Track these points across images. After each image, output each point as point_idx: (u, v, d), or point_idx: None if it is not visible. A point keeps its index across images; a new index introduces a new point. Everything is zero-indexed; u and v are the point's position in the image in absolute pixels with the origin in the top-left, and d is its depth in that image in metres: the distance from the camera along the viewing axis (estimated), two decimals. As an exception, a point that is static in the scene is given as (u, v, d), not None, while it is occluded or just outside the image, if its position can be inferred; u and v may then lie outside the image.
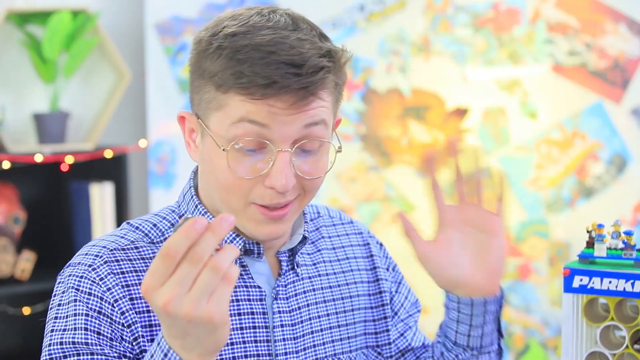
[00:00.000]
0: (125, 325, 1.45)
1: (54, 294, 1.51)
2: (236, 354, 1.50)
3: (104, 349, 1.43)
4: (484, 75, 3.96)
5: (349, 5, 3.87)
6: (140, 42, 3.86)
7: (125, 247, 1.51)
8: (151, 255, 1.51)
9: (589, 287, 1.42)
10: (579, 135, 3.98)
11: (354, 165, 3.91)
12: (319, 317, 1.59)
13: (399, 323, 1.74)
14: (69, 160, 3.59)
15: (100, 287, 1.46)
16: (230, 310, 1.50)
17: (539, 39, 3.96)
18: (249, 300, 1.52)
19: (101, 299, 1.45)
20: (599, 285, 1.42)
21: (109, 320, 1.44)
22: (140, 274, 1.48)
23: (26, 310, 3.65)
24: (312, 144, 1.46)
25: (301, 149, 1.46)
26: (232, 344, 1.50)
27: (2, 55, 3.70)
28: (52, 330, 1.46)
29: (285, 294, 1.56)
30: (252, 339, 1.51)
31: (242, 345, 1.51)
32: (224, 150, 1.44)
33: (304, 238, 1.58)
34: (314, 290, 1.60)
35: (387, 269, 1.74)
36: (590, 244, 1.46)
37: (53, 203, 3.76)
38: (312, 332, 1.58)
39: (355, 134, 3.90)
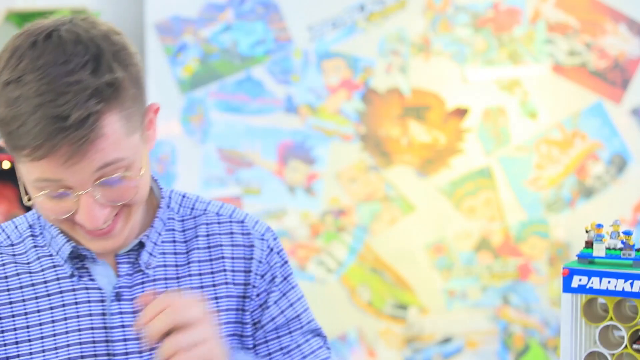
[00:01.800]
0: None
1: None
2: (72, 355, 1.53)
3: None
4: (484, 75, 3.96)
5: (349, 5, 3.87)
6: (140, 42, 3.87)
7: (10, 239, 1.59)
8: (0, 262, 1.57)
9: (587, 287, 1.42)
10: (579, 135, 3.98)
11: (354, 165, 3.91)
12: None
13: (259, 335, 1.64)
14: (69, 160, 3.59)
15: None
16: (69, 312, 1.53)
17: (539, 39, 3.96)
18: (88, 302, 1.54)
19: None
20: (598, 285, 1.42)
21: None
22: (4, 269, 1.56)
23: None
24: (112, 178, 1.44)
25: (104, 182, 1.44)
26: (68, 345, 1.53)
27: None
28: None
29: (131, 294, 1.55)
30: (90, 339, 1.53)
31: (79, 347, 1.53)
32: (29, 200, 1.46)
33: (142, 243, 1.57)
34: (168, 291, 1.58)
35: (263, 276, 1.62)
36: (589, 244, 1.46)
37: (53, 203, 3.76)
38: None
39: (355, 134, 3.90)
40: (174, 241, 1.59)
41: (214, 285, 1.59)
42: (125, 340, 1.54)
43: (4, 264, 1.57)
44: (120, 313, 1.54)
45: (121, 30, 1.52)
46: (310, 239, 3.90)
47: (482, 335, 3.99)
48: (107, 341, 1.53)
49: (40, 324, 1.54)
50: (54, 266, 1.55)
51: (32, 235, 1.58)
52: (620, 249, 1.44)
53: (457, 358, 3.99)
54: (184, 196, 1.64)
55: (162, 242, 1.58)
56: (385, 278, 3.94)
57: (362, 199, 3.92)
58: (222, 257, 1.60)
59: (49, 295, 1.55)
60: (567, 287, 1.43)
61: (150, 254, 1.56)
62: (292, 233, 3.88)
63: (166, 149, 3.80)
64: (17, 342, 1.54)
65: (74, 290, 1.54)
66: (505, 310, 4.00)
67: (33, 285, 1.55)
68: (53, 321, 1.54)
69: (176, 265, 1.59)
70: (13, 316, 1.54)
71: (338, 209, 3.90)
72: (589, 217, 3.69)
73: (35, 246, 1.57)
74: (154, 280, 1.56)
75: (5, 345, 1.53)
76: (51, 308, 1.54)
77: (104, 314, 1.54)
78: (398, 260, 3.94)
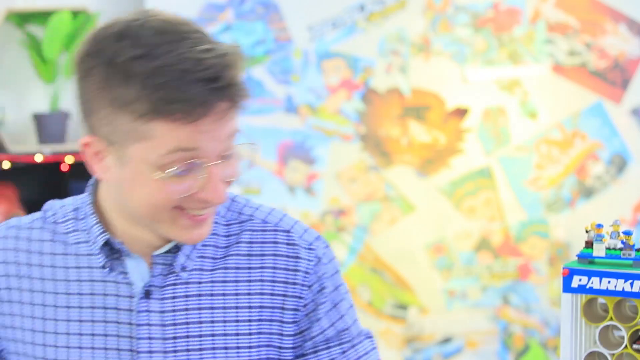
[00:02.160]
0: None
1: None
2: (95, 345, 1.55)
3: None
4: (484, 75, 3.96)
5: (349, 5, 3.87)
6: (140, 42, 3.86)
7: (22, 226, 1.62)
8: (38, 238, 1.59)
9: (587, 287, 1.42)
10: (579, 135, 3.98)
11: (354, 165, 3.91)
12: (200, 322, 1.55)
13: (307, 345, 1.62)
14: (69, 160, 3.59)
15: None
16: (97, 302, 1.55)
17: (539, 39, 3.96)
18: (116, 295, 1.55)
19: None
20: (598, 285, 1.42)
21: None
22: (18, 252, 1.59)
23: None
24: (233, 151, 1.48)
25: (227, 154, 1.48)
26: (93, 334, 1.55)
27: (2, 55, 3.70)
28: None
29: (162, 294, 1.55)
30: (115, 333, 1.54)
31: (104, 338, 1.54)
32: (155, 179, 1.45)
33: (177, 247, 1.56)
34: (200, 295, 1.56)
35: (310, 287, 1.58)
36: (589, 244, 1.46)
37: (53, 203, 3.76)
38: (187, 336, 1.55)
39: (355, 134, 3.90)
40: (215, 246, 1.58)
41: (249, 294, 1.57)
42: (150, 338, 1.54)
43: (42, 240, 1.59)
44: (148, 311, 1.54)
45: None
46: (310, 239, 3.90)
47: (482, 335, 4.00)
48: (131, 337, 1.54)
49: (68, 307, 1.56)
50: (89, 254, 1.56)
51: (74, 219, 1.60)
52: (620, 249, 1.44)
53: (457, 358, 3.99)
54: (233, 199, 1.62)
55: (203, 245, 1.57)
56: (385, 278, 3.94)
57: (362, 199, 3.92)
58: (262, 267, 1.57)
59: (79, 280, 1.56)
60: (567, 287, 1.43)
61: (188, 257, 1.55)
62: (292, 233, 3.88)
63: (166, 149, 3.80)
64: (44, 318, 1.56)
65: (104, 281, 1.55)
66: (505, 310, 4.00)
67: (66, 267, 1.57)
68: (80, 307, 1.56)
69: (212, 270, 1.57)
70: (43, 292, 1.57)
71: (338, 209, 3.90)
72: (589, 217, 3.69)
73: (75, 230, 1.58)
74: (187, 283, 1.55)
75: (33, 317, 1.57)
76: (80, 294, 1.56)
77: (130, 310, 1.54)
78: (398, 260, 3.94)
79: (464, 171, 3.97)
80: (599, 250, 1.44)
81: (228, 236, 1.58)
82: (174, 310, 1.54)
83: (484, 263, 3.98)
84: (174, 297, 1.55)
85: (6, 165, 3.50)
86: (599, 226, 1.45)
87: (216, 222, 1.58)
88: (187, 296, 1.55)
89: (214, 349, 1.55)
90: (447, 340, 3.98)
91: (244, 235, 1.59)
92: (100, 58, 1.45)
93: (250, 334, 1.56)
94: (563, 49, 3.96)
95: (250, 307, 1.56)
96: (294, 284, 1.57)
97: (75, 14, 3.58)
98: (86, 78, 1.47)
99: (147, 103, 1.40)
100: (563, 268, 1.44)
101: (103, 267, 1.55)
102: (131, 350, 1.54)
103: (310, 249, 1.59)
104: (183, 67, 1.39)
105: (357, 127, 3.91)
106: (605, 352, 1.44)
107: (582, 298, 1.44)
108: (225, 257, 1.57)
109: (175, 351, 1.53)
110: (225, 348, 1.55)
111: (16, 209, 3.62)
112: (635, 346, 1.42)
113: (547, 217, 3.99)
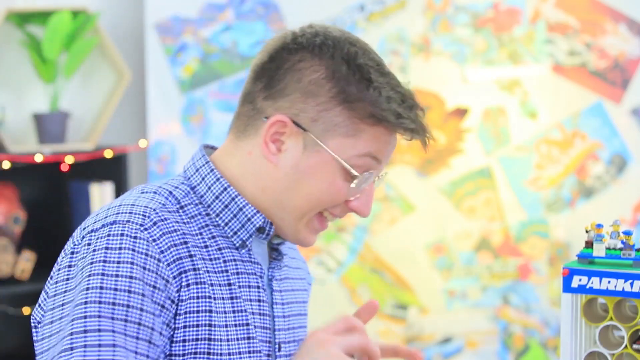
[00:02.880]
0: (177, 287, 1.49)
1: (94, 244, 1.48)
2: (249, 321, 1.56)
3: (151, 319, 1.46)
4: (484, 75, 3.96)
5: (349, 5, 3.87)
6: (140, 42, 3.87)
7: (158, 209, 1.52)
8: (183, 220, 1.53)
9: (587, 287, 1.42)
10: (579, 135, 3.98)
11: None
12: (296, 302, 1.69)
13: None
14: (69, 160, 3.59)
15: (155, 249, 1.48)
16: (242, 280, 1.57)
17: (539, 39, 3.96)
18: (255, 274, 1.59)
19: (159, 260, 1.47)
20: (598, 285, 1.42)
21: (164, 282, 1.47)
22: (184, 235, 1.52)
23: (26, 310, 3.65)
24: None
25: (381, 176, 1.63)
26: (242, 311, 1.55)
27: (2, 55, 3.70)
28: (100, 288, 1.44)
29: (279, 275, 1.65)
30: (258, 311, 1.58)
31: (252, 315, 1.56)
32: (352, 176, 1.55)
33: None
34: (287, 278, 1.69)
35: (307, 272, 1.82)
36: (589, 244, 1.46)
37: (53, 203, 3.76)
38: (292, 315, 1.67)
39: (355, 134, 3.90)
40: None
41: (300, 278, 1.74)
42: (283, 317, 1.63)
43: (184, 222, 1.54)
44: (276, 291, 1.63)
45: None
46: (310, 239, 3.89)
47: (482, 335, 4.00)
48: (268, 315, 1.60)
49: (220, 285, 1.53)
50: (221, 236, 1.56)
51: (192, 204, 1.57)
52: (620, 249, 1.44)
53: (457, 358, 3.99)
54: None
55: None
56: (385, 278, 3.94)
57: (362, 199, 3.92)
58: (295, 257, 1.75)
59: (227, 261, 1.56)
60: (567, 287, 1.44)
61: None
62: (292, 233, 3.88)
63: (166, 149, 3.80)
64: (206, 297, 1.51)
65: (242, 261, 1.58)
66: (505, 310, 4.00)
67: (207, 247, 1.54)
68: (229, 284, 1.55)
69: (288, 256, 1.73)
70: (206, 271, 1.52)
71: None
72: (589, 217, 3.69)
73: (198, 214, 1.56)
74: (282, 267, 1.67)
75: (201, 297, 1.51)
76: (226, 271, 1.55)
77: (264, 289, 1.60)
78: (398, 260, 3.94)
79: (464, 171, 3.97)
80: (599, 250, 1.44)
81: None
82: (286, 290, 1.66)
83: (484, 263, 3.98)
84: (281, 279, 1.66)
85: (6, 165, 3.50)
86: (599, 226, 1.45)
87: None
88: (284, 279, 1.67)
89: (300, 327, 1.69)
90: (447, 340, 3.98)
91: None
92: (336, 51, 1.55)
93: (305, 314, 1.74)
94: (563, 49, 3.96)
95: (300, 290, 1.73)
96: (301, 268, 1.76)
97: (75, 14, 3.58)
98: (311, 64, 1.55)
99: (374, 108, 1.54)
100: (563, 268, 1.44)
101: (242, 247, 1.58)
102: (269, 329, 1.59)
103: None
104: (402, 90, 1.58)
105: (357, 127, 3.90)
106: (605, 352, 1.44)
107: (582, 298, 1.44)
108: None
109: (292, 328, 1.65)
110: (300, 327, 1.69)
111: (16, 209, 3.62)
112: (635, 346, 1.42)
113: (547, 217, 3.99)
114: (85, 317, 1.42)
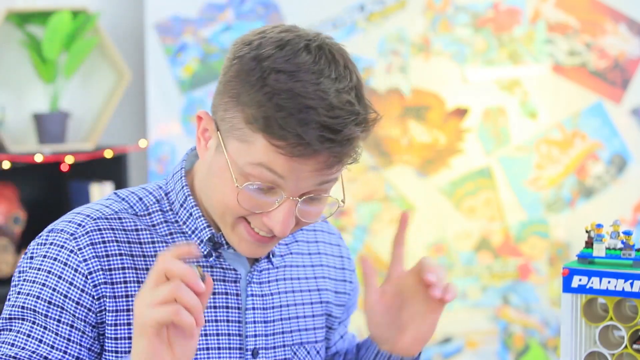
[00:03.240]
0: (95, 297, 1.49)
1: (31, 251, 1.54)
2: (208, 331, 1.54)
3: (60, 327, 1.49)
4: (484, 75, 3.96)
5: (349, 5, 3.87)
6: (140, 42, 3.87)
7: (108, 217, 1.54)
8: (133, 227, 1.54)
9: (587, 287, 1.42)
10: (579, 135, 3.98)
11: (354, 165, 3.91)
12: (288, 305, 1.63)
13: (340, 325, 1.78)
14: (69, 160, 3.59)
15: (77, 257, 1.50)
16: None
17: (539, 39, 3.96)
18: (224, 281, 1.56)
19: (76, 270, 1.49)
20: (598, 285, 1.42)
21: (78, 292, 1.49)
22: (120, 244, 1.52)
23: (26, 310, 3.64)
24: (318, 195, 1.50)
25: (311, 197, 1.49)
26: (205, 321, 1.52)
27: (2, 55, 3.70)
28: (19, 293, 1.51)
29: (259, 279, 1.60)
30: (225, 318, 1.55)
31: (215, 324, 1.54)
32: (236, 186, 1.46)
33: None
34: (284, 279, 1.63)
35: (353, 270, 1.77)
36: (589, 244, 1.46)
37: (53, 203, 3.76)
38: (281, 319, 1.61)
39: (355, 134, 3.90)
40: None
41: (315, 278, 1.69)
42: (254, 322, 1.58)
43: (137, 230, 1.54)
44: (252, 295, 1.58)
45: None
46: (310, 239, 3.90)
47: (482, 335, 4.00)
48: (239, 322, 1.57)
49: None
50: (189, 244, 1.54)
51: (160, 210, 1.56)
52: (620, 249, 1.44)
53: (457, 358, 3.99)
54: None
55: None
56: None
57: (362, 199, 3.92)
58: (319, 253, 1.71)
59: None
60: (567, 287, 1.44)
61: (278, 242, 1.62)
62: (292, 233, 3.88)
63: (166, 149, 3.80)
64: None
65: (211, 267, 1.55)
66: (505, 310, 4.00)
67: None
68: None
69: (290, 253, 1.67)
70: (139, 283, 1.52)
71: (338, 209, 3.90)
72: (589, 217, 3.69)
73: (165, 221, 1.56)
74: (277, 267, 1.63)
75: (130, 311, 1.50)
76: None
77: (238, 295, 1.56)
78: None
79: (464, 171, 3.97)
80: (599, 250, 1.44)
81: None
82: (271, 294, 1.61)
83: (484, 263, 3.98)
84: (269, 282, 1.61)
85: (6, 165, 3.50)
86: (599, 226, 1.45)
87: None
88: (277, 280, 1.62)
89: (299, 330, 1.64)
90: (447, 340, 3.98)
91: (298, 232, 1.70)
92: (251, 50, 1.46)
93: (314, 315, 1.67)
94: (563, 49, 3.96)
95: (318, 290, 1.68)
96: (342, 269, 1.73)
97: (75, 14, 3.58)
98: (234, 61, 1.47)
99: (263, 115, 1.41)
100: (563, 268, 1.44)
101: (208, 254, 1.55)
102: (239, 335, 1.56)
103: (341, 238, 1.77)
104: (312, 103, 1.40)
105: (357, 127, 3.90)
106: (605, 352, 1.44)
107: (582, 298, 1.44)
108: (295, 242, 1.68)
109: (274, 334, 1.59)
110: (305, 329, 1.64)
111: (16, 209, 3.62)
112: (635, 346, 1.42)
113: (547, 217, 3.99)
114: (6, 318, 1.51)
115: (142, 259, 1.53)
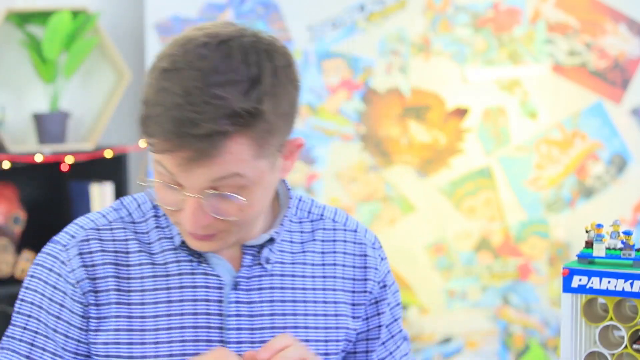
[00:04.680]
0: (84, 304, 1.55)
1: (34, 260, 1.61)
2: (186, 337, 1.54)
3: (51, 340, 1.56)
4: (484, 75, 3.96)
5: (349, 5, 3.87)
6: (140, 42, 3.87)
7: (100, 227, 1.58)
8: (123, 237, 1.57)
9: (587, 287, 1.42)
10: (579, 135, 3.98)
11: (354, 165, 3.91)
12: (284, 314, 1.60)
13: (375, 344, 1.71)
14: (69, 160, 3.59)
15: (67, 268, 1.56)
16: (186, 295, 1.55)
17: (539, 39, 3.96)
18: (206, 287, 1.56)
19: (66, 280, 1.56)
20: (598, 285, 1.42)
21: (71, 301, 1.55)
22: (107, 253, 1.56)
23: (26, 310, 3.65)
24: (224, 193, 1.47)
25: (214, 193, 1.47)
26: (183, 327, 1.54)
27: (2, 55, 3.70)
28: (21, 300, 1.59)
29: (248, 285, 1.58)
30: (205, 324, 1.55)
31: (194, 330, 1.55)
32: (146, 182, 1.51)
33: (272, 239, 1.59)
34: (283, 288, 1.60)
35: (378, 283, 1.68)
36: (589, 244, 1.46)
37: (53, 203, 3.76)
38: (272, 327, 1.59)
39: (356, 134, 3.90)
40: (291, 241, 1.63)
41: (324, 290, 1.63)
42: (239, 329, 1.56)
43: (127, 240, 1.57)
44: (237, 302, 1.56)
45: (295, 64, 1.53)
46: (310, 239, 3.90)
47: (482, 335, 4.00)
48: (221, 328, 1.56)
49: (156, 303, 1.55)
50: (175, 249, 1.57)
51: (155, 216, 1.59)
52: (620, 249, 1.44)
53: (457, 358, 3.99)
54: (300, 199, 1.68)
55: (281, 240, 1.61)
56: (385, 278, 3.94)
57: (362, 199, 3.92)
58: (334, 264, 1.65)
59: (167, 275, 1.56)
60: (567, 287, 1.44)
61: (270, 250, 1.59)
62: (292, 233, 3.88)
63: (166, 149, 3.80)
64: (130, 317, 1.54)
65: (193, 274, 1.56)
66: (505, 310, 4.00)
67: (153, 264, 1.56)
68: (169, 301, 1.55)
69: (292, 263, 1.62)
70: (129, 291, 1.55)
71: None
72: (589, 217, 3.69)
73: (157, 227, 1.58)
74: (272, 275, 1.59)
75: (117, 317, 1.54)
76: (168, 288, 1.55)
77: (220, 301, 1.56)
78: (398, 260, 3.93)
79: (464, 171, 3.97)
80: (599, 250, 1.44)
81: (301, 232, 1.64)
82: (261, 302, 1.58)
83: (484, 263, 3.99)
84: (260, 289, 1.58)
85: (6, 165, 3.50)
86: (599, 226, 1.45)
87: (290, 220, 1.63)
88: (272, 288, 1.59)
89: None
90: (447, 340, 3.98)
91: (317, 234, 1.65)
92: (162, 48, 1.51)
93: (326, 328, 1.62)
94: (563, 49, 3.96)
95: (325, 302, 1.62)
96: (364, 280, 1.65)
97: (75, 14, 3.58)
98: None
99: (139, 114, 1.47)
100: (563, 268, 1.44)
101: (191, 260, 1.56)
102: (222, 341, 1.55)
103: (374, 247, 1.68)
104: (180, 101, 1.42)
105: (357, 127, 3.91)
106: (605, 352, 1.44)
107: (582, 298, 1.44)
108: (302, 252, 1.63)
109: (262, 342, 1.56)
110: (306, 340, 1.59)
111: (16, 209, 3.62)
112: (635, 346, 1.42)
113: (547, 217, 3.99)
114: (11, 324, 1.59)
115: (125, 268, 1.55)
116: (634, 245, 1.44)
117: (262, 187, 1.49)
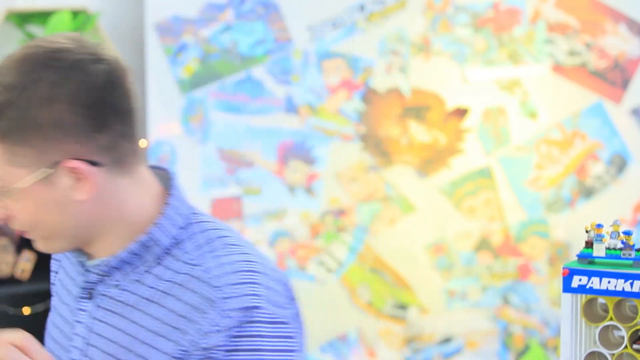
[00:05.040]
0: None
1: None
2: (54, 337, 1.67)
3: None
4: (484, 75, 3.96)
5: (349, 5, 3.87)
6: (140, 42, 3.87)
7: None
8: None
9: (587, 287, 1.42)
10: (579, 135, 3.98)
11: (354, 165, 3.91)
12: (107, 340, 1.57)
13: None
14: (69, 160, 3.59)
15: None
16: (69, 298, 1.66)
17: (539, 39, 3.96)
18: (68, 291, 1.67)
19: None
20: (598, 285, 1.42)
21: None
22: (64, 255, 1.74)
23: (26, 310, 3.65)
24: None
25: None
26: (58, 328, 1.66)
27: (2, 55, 3.70)
28: None
29: (97, 302, 1.60)
30: (61, 327, 1.66)
31: (57, 330, 1.66)
32: None
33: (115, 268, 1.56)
34: (125, 316, 1.56)
35: (205, 349, 1.47)
36: (589, 244, 1.46)
37: (53, 203, 3.76)
38: (97, 347, 1.58)
39: (355, 134, 3.90)
40: (148, 272, 1.55)
41: (151, 331, 1.53)
42: (105, 336, 1.60)
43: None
44: (81, 310, 1.62)
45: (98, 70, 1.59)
46: (310, 239, 3.90)
47: (482, 335, 3.99)
48: (67, 334, 1.65)
49: (63, 303, 1.69)
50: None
51: None
52: (620, 249, 1.44)
53: (457, 358, 3.99)
54: (200, 245, 1.55)
55: (135, 271, 1.56)
56: (385, 278, 3.94)
57: (362, 199, 3.92)
58: (172, 310, 1.51)
59: (72, 277, 1.68)
60: (567, 287, 1.43)
61: (126, 275, 1.56)
62: (292, 233, 3.88)
63: (166, 149, 3.80)
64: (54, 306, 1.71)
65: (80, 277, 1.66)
66: (505, 310, 4.00)
67: (72, 265, 1.69)
68: (62, 302, 1.70)
69: (136, 294, 1.55)
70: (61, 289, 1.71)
71: (338, 209, 3.90)
72: (589, 217, 3.69)
73: None
74: (118, 300, 1.56)
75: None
76: (67, 289, 1.69)
77: (71, 307, 1.65)
78: (398, 260, 3.94)
79: (464, 171, 3.97)
80: (599, 250, 1.44)
81: (164, 269, 1.55)
82: (101, 320, 1.58)
83: (484, 263, 3.98)
84: (106, 309, 1.57)
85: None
86: (599, 226, 1.45)
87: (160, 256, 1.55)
88: (110, 310, 1.57)
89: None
90: (447, 340, 3.98)
91: (179, 277, 1.52)
92: None
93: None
94: (563, 49, 3.96)
95: (160, 336, 1.51)
96: (186, 333, 1.49)
97: (75, 14, 3.58)
98: None
99: None
100: (563, 268, 1.44)
101: (80, 264, 1.63)
102: (68, 341, 1.63)
103: (225, 315, 1.47)
104: None
105: (357, 127, 3.91)
106: (605, 352, 1.44)
107: (582, 298, 1.44)
108: (150, 287, 1.55)
109: (86, 356, 1.59)
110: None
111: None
112: (635, 346, 1.42)
113: (547, 217, 3.99)
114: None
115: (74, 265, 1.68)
116: (634, 245, 1.44)
117: (23, 197, 1.51)
